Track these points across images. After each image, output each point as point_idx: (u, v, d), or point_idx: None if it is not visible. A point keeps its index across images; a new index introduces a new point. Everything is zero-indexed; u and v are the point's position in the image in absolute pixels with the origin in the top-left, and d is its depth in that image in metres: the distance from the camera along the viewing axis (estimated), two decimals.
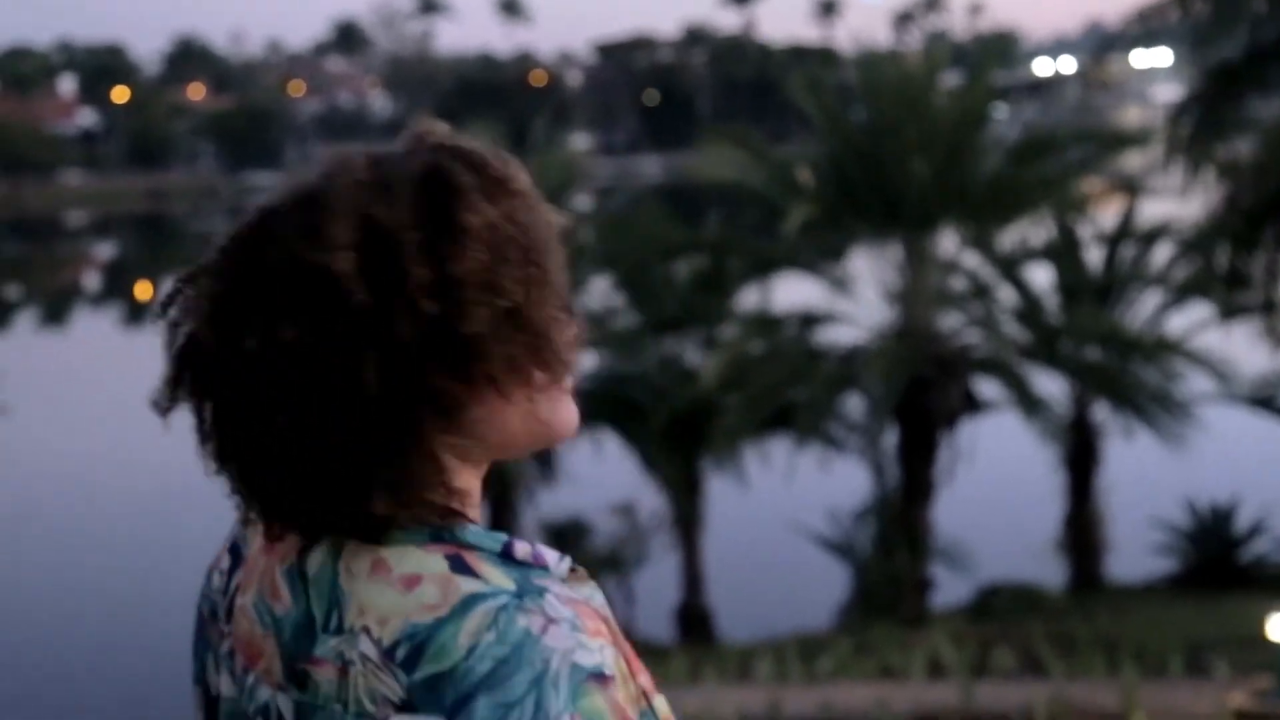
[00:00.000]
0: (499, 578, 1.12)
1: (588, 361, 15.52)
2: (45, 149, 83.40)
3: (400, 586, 1.12)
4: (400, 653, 1.09)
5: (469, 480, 1.19)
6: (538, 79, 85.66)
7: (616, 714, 1.09)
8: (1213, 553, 15.03)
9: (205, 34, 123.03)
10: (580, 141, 78.08)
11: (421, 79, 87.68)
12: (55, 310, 49.17)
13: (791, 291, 16.25)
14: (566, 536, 15.05)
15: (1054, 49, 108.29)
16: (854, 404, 14.97)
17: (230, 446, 1.15)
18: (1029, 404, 14.18)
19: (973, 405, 14.78)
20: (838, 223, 15.18)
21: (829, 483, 15.25)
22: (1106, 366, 15.13)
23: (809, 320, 15.25)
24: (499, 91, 76.17)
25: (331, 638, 1.13)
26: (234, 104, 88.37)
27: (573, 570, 1.17)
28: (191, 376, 1.15)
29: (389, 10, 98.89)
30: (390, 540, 1.14)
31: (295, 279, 1.11)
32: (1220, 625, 12.19)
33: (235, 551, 1.26)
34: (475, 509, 1.20)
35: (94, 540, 18.18)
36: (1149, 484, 16.05)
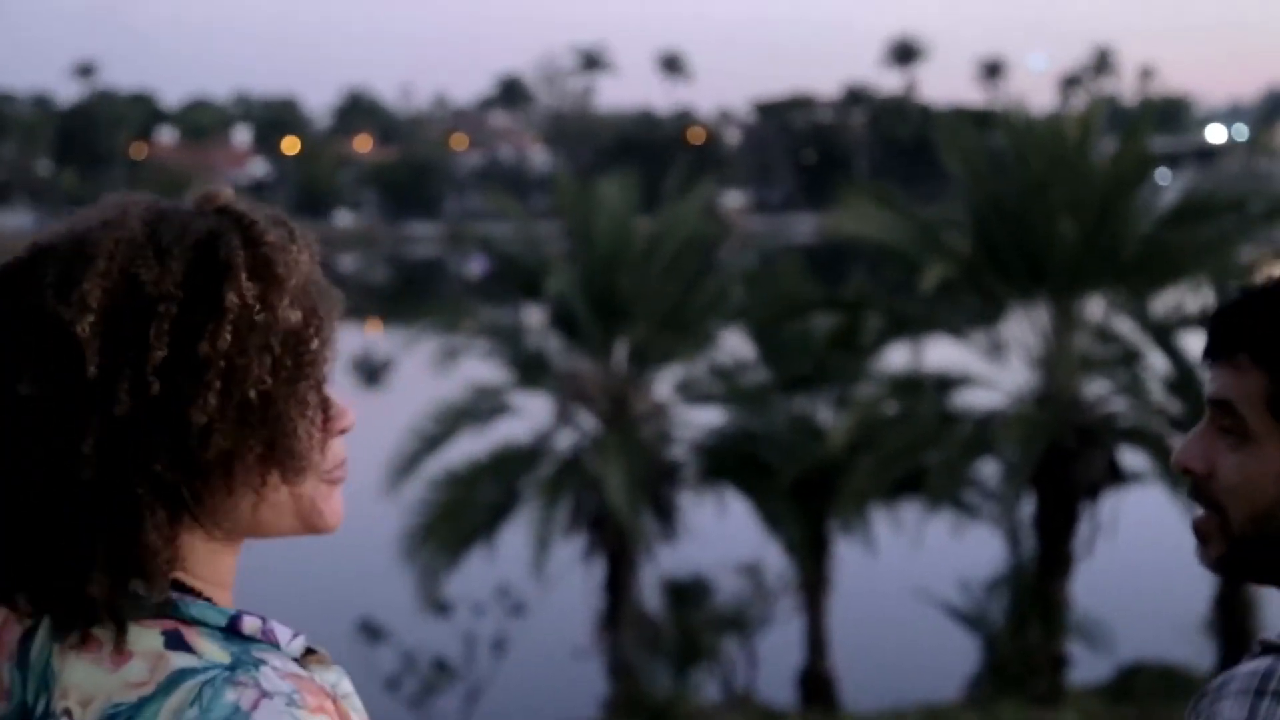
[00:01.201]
0: (216, 653, 1.03)
1: (714, 416, 15.32)
2: None
3: (109, 664, 1.03)
4: None
5: (214, 558, 1.09)
6: (696, 136, 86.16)
7: None
8: None
9: (375, 89, 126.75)
10: (735, 199, 78.29)
11: (581, 134, 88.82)
12: None
13: (929, 353, 15.85)
14: (688, 595, 14.77)
15: (1228, 116, 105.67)
16: (990, 470, 14.50)
17: None
18: (1178, 477, 13.53)
19: (1117, 476, 14.19)
20: (979, 283, 14.77)
21: (961, 551, 14.77)
22: None
23: (945, 382, 14.82)
24: (657, 147, 76.71)
25: None
26: (398, 155, 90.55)
27: (313, 653, 1.09)
28: None
29: (552, 67, 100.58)
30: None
31: (41, 332, 1.04)
32: None
33: None
34: (221, 587, 1.10)
35: None
36: None
